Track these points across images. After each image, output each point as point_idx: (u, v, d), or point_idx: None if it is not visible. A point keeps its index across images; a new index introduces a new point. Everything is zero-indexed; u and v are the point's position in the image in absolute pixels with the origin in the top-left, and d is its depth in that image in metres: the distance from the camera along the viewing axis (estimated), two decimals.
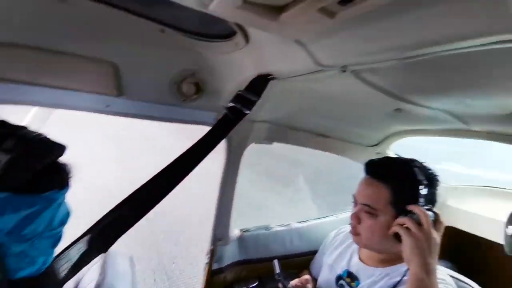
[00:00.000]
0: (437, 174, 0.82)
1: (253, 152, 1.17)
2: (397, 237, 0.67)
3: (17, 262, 0.43)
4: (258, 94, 0.80)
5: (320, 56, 0.62)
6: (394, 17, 0.43)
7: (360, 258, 0.92)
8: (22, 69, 0.68)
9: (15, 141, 0.42)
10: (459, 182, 1.66)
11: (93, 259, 0.65)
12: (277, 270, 0.84)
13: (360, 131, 1.41)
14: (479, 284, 0.91)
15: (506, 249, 0.62)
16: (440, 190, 0.82)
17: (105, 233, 0.67)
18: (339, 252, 1.00)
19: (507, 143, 1.10)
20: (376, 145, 1.52)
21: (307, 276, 0.88)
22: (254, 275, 1.25)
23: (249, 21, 0.50)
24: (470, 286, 0.90)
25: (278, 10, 0.45)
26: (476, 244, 1.42)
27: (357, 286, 0.87)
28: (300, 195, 4.78)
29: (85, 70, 0.74)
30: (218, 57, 0.82)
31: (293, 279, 0.88)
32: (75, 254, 0.61)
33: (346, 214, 1.47)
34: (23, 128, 0.45)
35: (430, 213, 0.66)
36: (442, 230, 0.67)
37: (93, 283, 0.68)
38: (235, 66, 0.82)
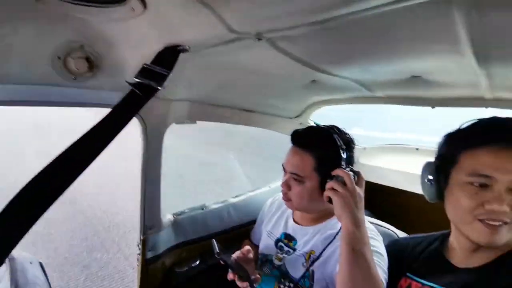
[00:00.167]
0: (353, 138, 0.90)
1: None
2: (330, 200, 0.71)
3: None
4: (168, 67, 0.70)
5: (231, 22, 0.57)
6: None
7: (294, 220, 1.01)
8: None
9: None
10: (364, 143, 1.90)
11: None
12: (216, 249, 0.84)
13: (281, 104, 1.44)
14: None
15: (426, 197, 0.71)
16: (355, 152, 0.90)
17: None
18: (276, 218, 1.08)
19: (406, 105, 1.28)
20: (298, 116, 1.59)
21: (247, 247, 0.91)
22: (196, 255, 1.23)
23: None
24: (386, 228, 1.06)
25: None
26: (387, 193, 1.67)
27: (294, 245, 0.95)
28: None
29: None
30: (112, 26, 0.67)
31: (234, 252, 0.89)
32: None
33: (279, 183, 1.53)
34: None
35: (351, 173, 0.72)
36: (363, 185, 0.74)
37: None
38: (134, 36, 0.69)
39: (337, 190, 0.69)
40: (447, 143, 0.70)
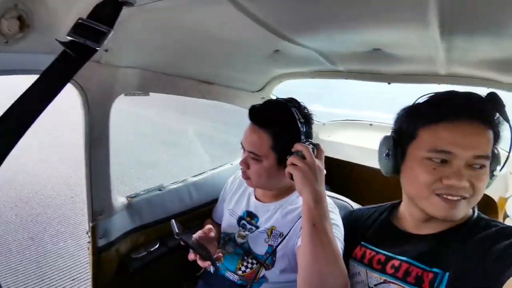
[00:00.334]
0: (311, 112, 0.88)
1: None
2: (291, 176, 0.70)
3: None
4: (108, 24, 0.58)
5: None
6: None
7: (256, 198, 1.00)
8: None
9: None
10: (323, 119, 1.94)
11: None
12: (176, 230, 0.80)
13: (243, 76, 1.37)
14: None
15: (382, 170, 0.72)
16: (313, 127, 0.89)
17: None
18: (237, 196, 1.05)
19: (365, 80, 1.29)
20: (260, 90, 1.54)
21: (209, 226, 0.88)
22: (155, 238, 1.16)
23: None
24: (342, 200, 1.10)
25: None
26: (343, 167, 1.73)
27: (256, 222, 0.95)
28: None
29: None
30: None
31: (196, 232, 0.86)
32: None
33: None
34: None
35: (310, 146, 0.70)
36: (323, 157, 0.73)
37: None
38: None
39: (297, 165, 0.67)
40: (404, 118, 0.69)
